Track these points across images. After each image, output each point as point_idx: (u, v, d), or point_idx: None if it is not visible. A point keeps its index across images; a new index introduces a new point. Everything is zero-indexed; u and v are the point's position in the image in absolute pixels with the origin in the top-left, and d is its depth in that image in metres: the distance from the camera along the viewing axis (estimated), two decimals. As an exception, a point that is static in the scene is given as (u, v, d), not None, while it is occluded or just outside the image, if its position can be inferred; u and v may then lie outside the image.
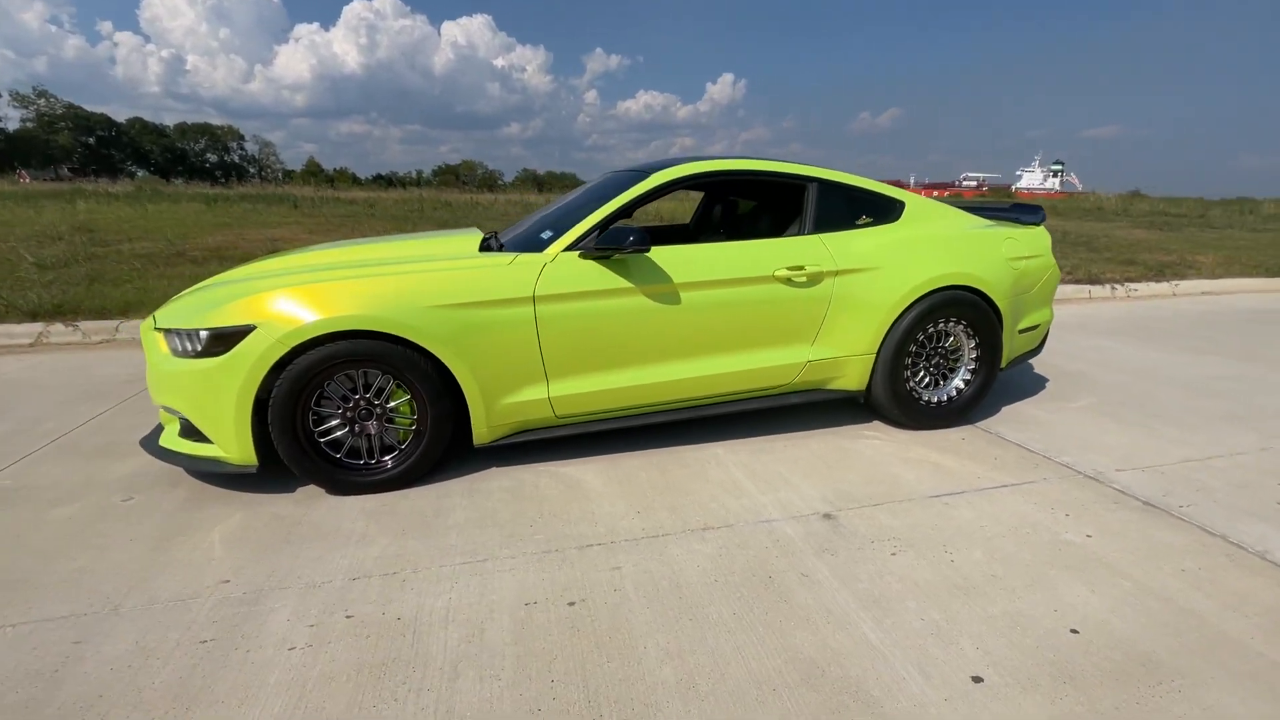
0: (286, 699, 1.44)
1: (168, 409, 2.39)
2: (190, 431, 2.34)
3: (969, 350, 3.06)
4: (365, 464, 2.41)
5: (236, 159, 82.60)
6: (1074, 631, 1.67)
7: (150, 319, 2.50)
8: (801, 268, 2.73)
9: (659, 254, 2.57)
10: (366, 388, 2.36)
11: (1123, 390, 3.63)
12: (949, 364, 3.06)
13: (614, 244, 2.41)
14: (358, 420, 2.37)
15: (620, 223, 2.53)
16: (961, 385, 3.07)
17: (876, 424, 3.11)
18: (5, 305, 5.10)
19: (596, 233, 2.55)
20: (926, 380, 3.03)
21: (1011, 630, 1.67)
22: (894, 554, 2.01)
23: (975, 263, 2.94)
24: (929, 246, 2.92)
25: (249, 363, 2.19)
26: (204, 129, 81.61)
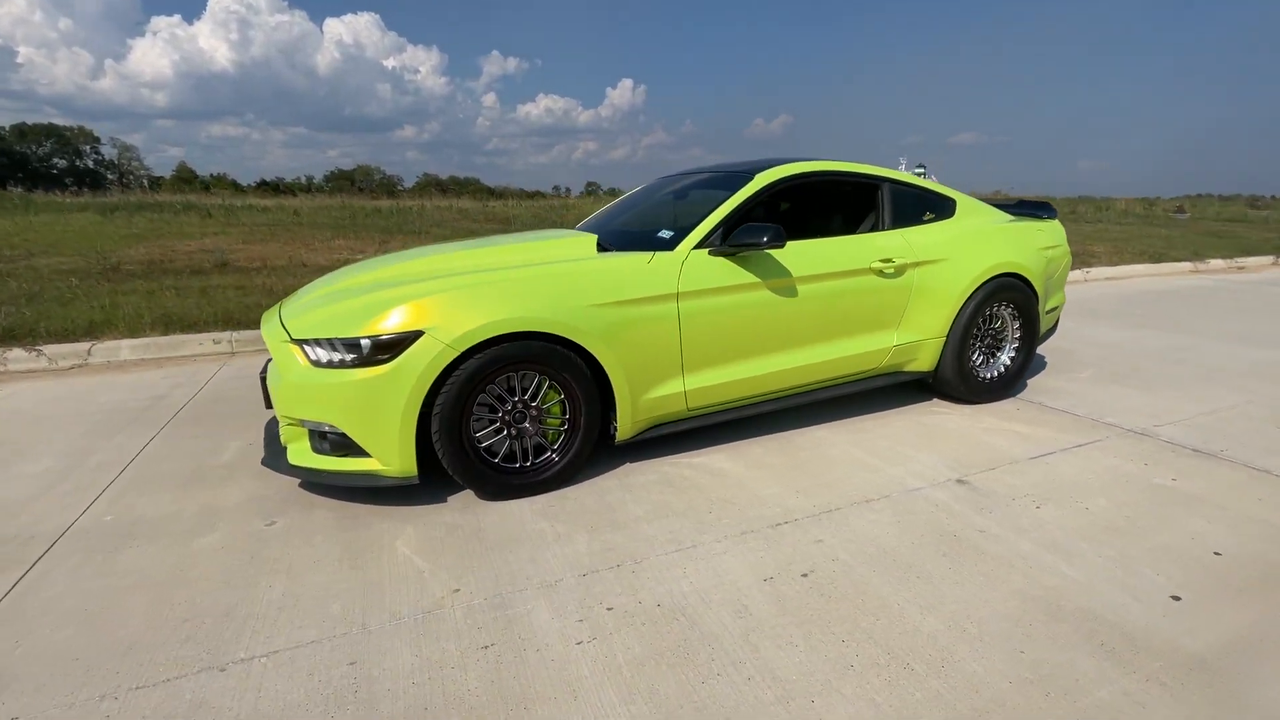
0: (616, 686, 1.47)
1: (306, 423, 2.26)
2: (339, 445, 2.23)
3: (1013, 330, 3.44)
4: (522, 467, 2.40)
5: (91, 164, 73.69)
6: (1217, 554, 2.00)
7: (279, 330, 2.35)
8: (890, 260, 2.99)
9: (777, 251, 2.73)
10: (523, 390, 2.35)
11: (1109, 362, 4.18)
12: (997, 343, 3.43)
13: (750, 240, 2.54)
14: (514, 423, 2.35)
15: (748, 224, 2.65)
16: (1008, 362, 3.45)
17: (935, 401, 3.43)
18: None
19: (721, 231, 2.67)
20: (980, 359, 3.39)
21: (1174, 558, 1.97)
22: (1038, 507, 2.28)
23: (1020, 252, 3.33)
24: (984, 239, 3.27)
25: (418, 370, 2.13)
26: (49, 130, 72.14)
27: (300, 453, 2.33)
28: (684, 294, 2.52)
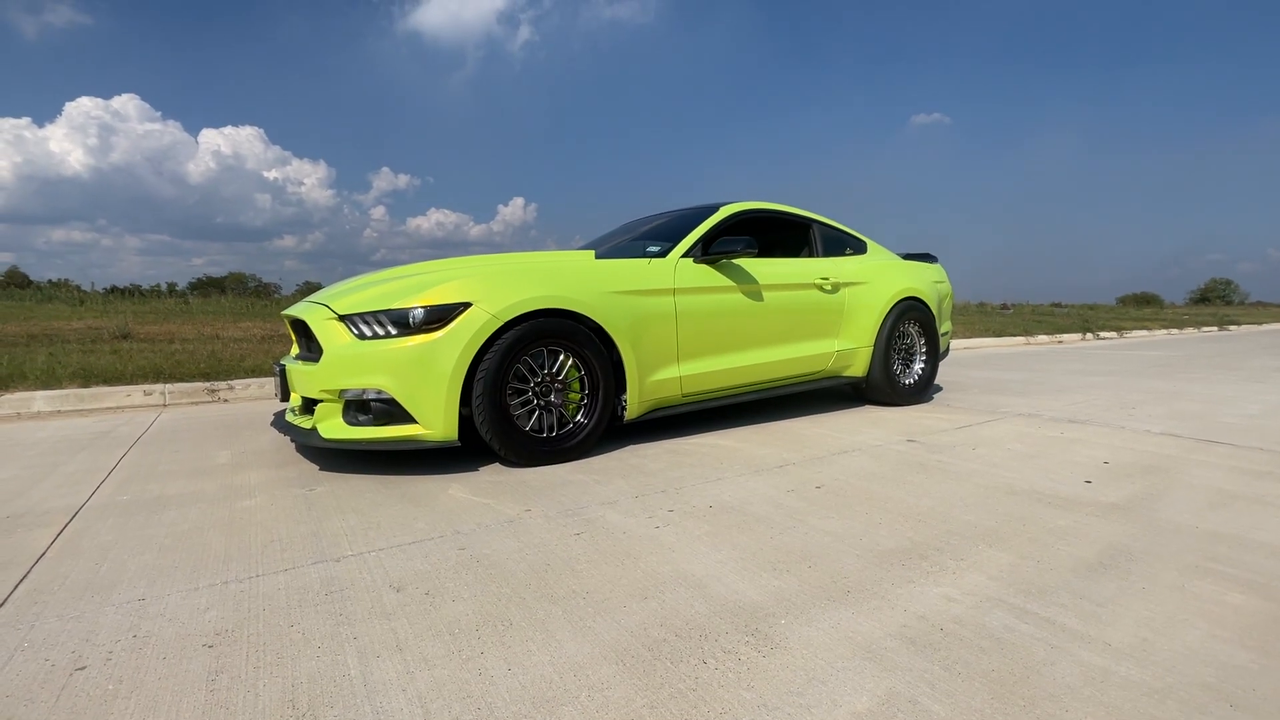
0: (702, 544, 1.72)
1: (347, 393, 2.37)
2: (382, 414, 2.36)
3: (920, 345, 4.19)
4: (549, 436, 2.61)
5: (-108, 267, 64.02)
6: (1105, 463, 2.61)
7: (320, 309, 2.49)
8: (827, 278, 3.64)
9: (746, 264, 3.28)
10: (550, 366, 2.62)
11: (989, 385, 5.08)
12: (910, 355, 4.15)
13: (729, 248, 3.08)
14: (542, 395, 2.60)
15: (726, 236, 3.20)
16: (920, 370, 4.16)
17: (868, 405, 4.03)
18: None
19: (700, 245, 3.19)
20: (899, 368, 4.07)
21: (1077, 467, 2.55)
22: (974, 449, 2.83)
23: (919, 281, 4.14)
24: (892, 270, 4.06)
25: (466, 337, 2.36)
26: None
27: (334, 428, 2.41)
28: (679, 290, 2.97)
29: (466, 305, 2.40)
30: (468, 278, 2.48)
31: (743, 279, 3.24)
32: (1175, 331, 15.82)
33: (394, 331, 2.37)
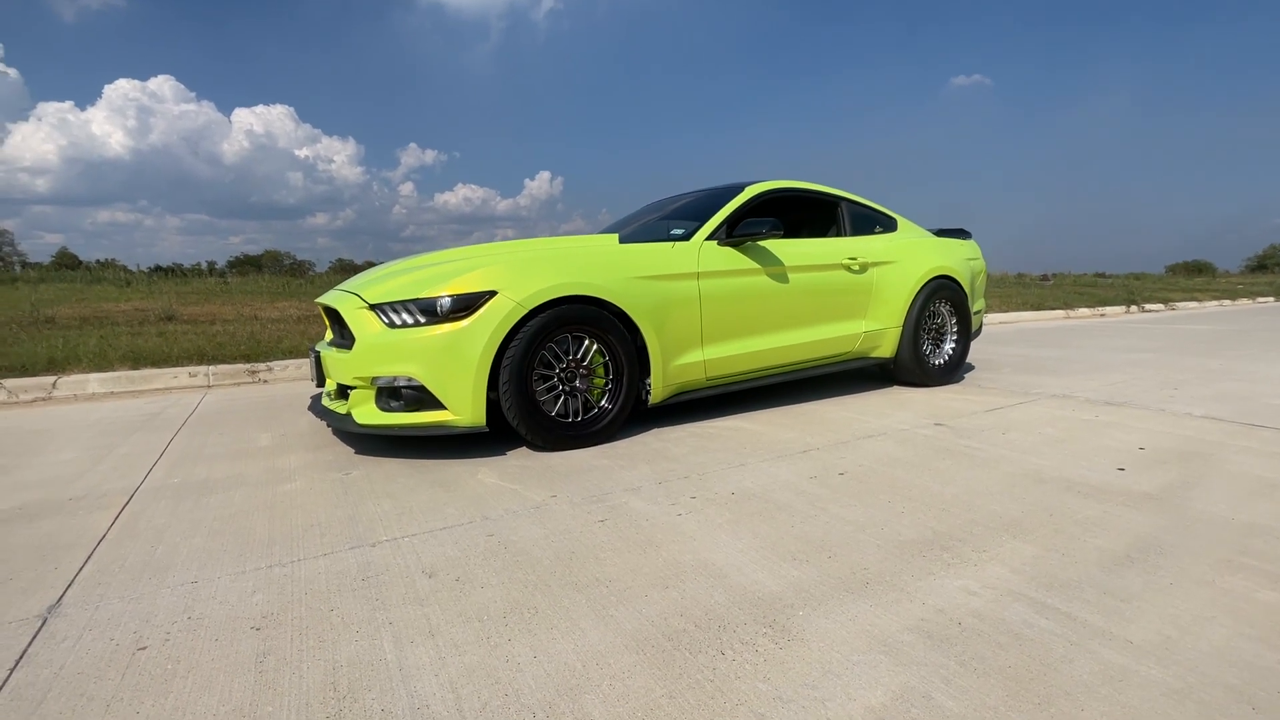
0: (723, 532, 1.75)
1: (379, 381, 2.44)
2: (413, 400, 2.43)
3: (951, 325, 4.10)
4: (574, 421, 2.66)
5: (-46, 249, 67.20)
6: (1141, 449, 2.55)
7: (352, 298, 2.56)
8: (855, 259, 3.58)
9: (771, 245, 3.25)
10: (574, 352, 2.65)
11: (1023, 364, 4.96)
12: (940, 335, 4.07)
13: (754, 230, 3.05)
14: (567, 381, 2.64)
15: (751, 218, 3.17)
16: (951, 350, 4.08)
17: (896, 386, 3.98)
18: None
19: (725, 227, 3.17)
20: (929, 348, 4.00)
21: (1111, 452, 2.50)
22: (1004, 434, 2.79)
23: (950, 259, 4.04)
24: (923, 248, 3.97)
25: (492, 325, 2.41)
26: (-95, 215, 65.65)
27: (368, 413, 2.49)
28: (702, 274, 2.96)
29: (492, 293, 2.44)
30: (493, 265, 2.52)
31: (768, 261, 3.21)
32: (1228, 303, 15.14)
33: (423, 320, 2.43)
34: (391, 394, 2.47)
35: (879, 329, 3.70)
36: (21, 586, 1.51)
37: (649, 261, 2.84)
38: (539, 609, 1.37)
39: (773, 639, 1.25)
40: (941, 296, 3.95)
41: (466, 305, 2.42)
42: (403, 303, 2.45)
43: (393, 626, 1.31)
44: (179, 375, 4.69)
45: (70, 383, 4.37)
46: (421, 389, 2.41)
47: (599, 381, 2.74)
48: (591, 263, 2.69)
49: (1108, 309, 11.78)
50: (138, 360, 4.80)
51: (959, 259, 4.15)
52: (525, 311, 2.46)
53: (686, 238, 3.09)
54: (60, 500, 2.12)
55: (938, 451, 2.52)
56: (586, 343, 2.68)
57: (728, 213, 3.22)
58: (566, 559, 1.61)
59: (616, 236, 3.21)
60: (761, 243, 3.21)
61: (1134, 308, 12.46)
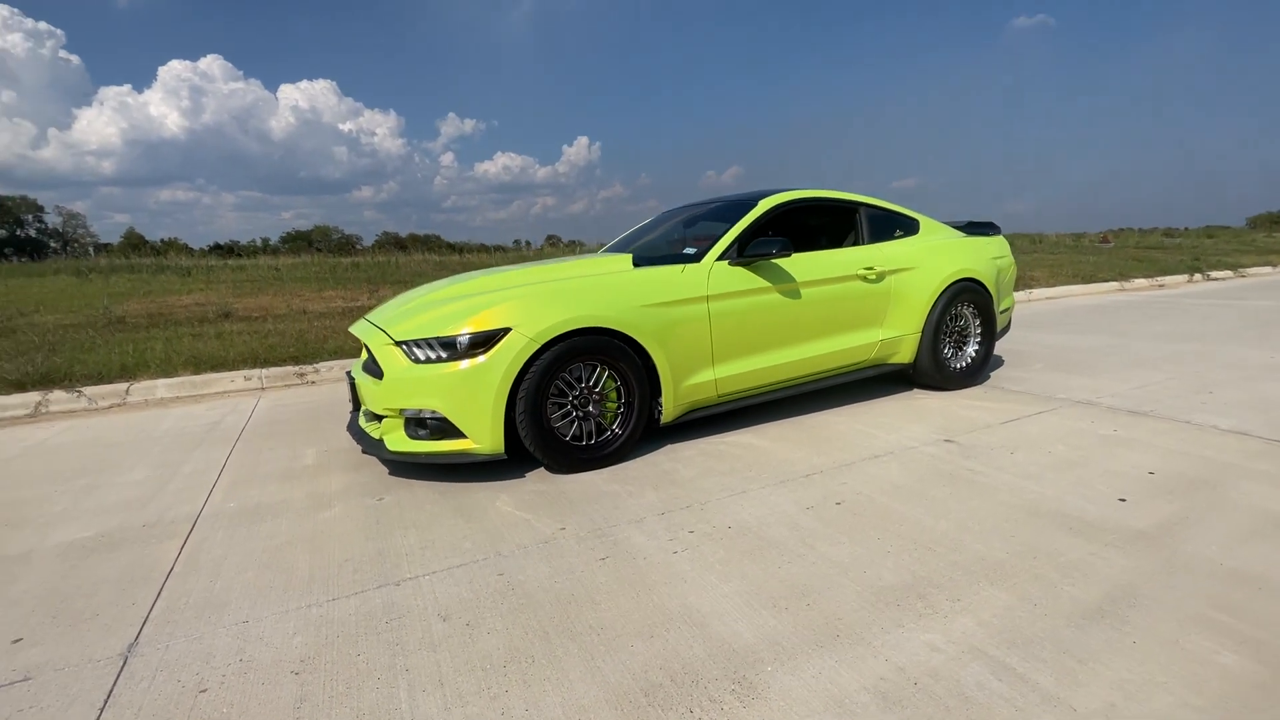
0: (713, 574, 1.89)
1: (406, 412, 2.65)
2: (437, 430, 2.63)
3: (975, 327, 4.06)
4: (588, 444, 2.82)
5: (33, 233, 71.59)
6: (1150, 474, 2.55)
7: (379, 334, 2.76)
8: (872, 268, 3.58)
9: (783, 262, 3.29)
10: (587, 379, 2.80)
11: (1055, 358, 4.86)
12: (963, 338, 4.04)
13: (764, 251, 3.09)
14: (580, 406, 2.79)
15: (762, 237, 3.21)
16: (974, 354, 4.05)
17: (915, 390, 3.99)
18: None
19: (736, 246, 3.22)
20: (950, 352, 3.98)
21: (1119, 477, 2.51)
22: (1012, 453, 2.81)
23: (975, 260, 3.98)
24: (945, 251, 3.92)
25: (507, 360, 2.57)
26: (-11, 200, 70.11)
27: (398, 440, 2.71)
28: (712, 297, 3.04)
29: (507, 330, 2.59)
30: (508, 302, 2.66)
31: (780, 279, 3.25)
32: (1306, 266, 14.10)
33: (444, 355, 2.60)
34: (418, 424, 2.67)
35: (896, 336, 3.71)
36: (106, 623, 1.78)
37: (659, 288, 2.94)
38: (535, 658, 1.55)
39: (739, 696, 1.39)
40: (965, 300, 3.91)
41: (484, 341, 2.58)
42: (426, 340, 2.63)
43: (409, 674, 1.51)
44: (235, 379, 5.06)
45: (141, 388, 4.78)
46: (444, 420, 2.60)
47: (611, 406, 2.88)
48: (602, 295, 2.81)
49: (1167, 279, 11.16)
50: (199, 365, 5.20)
51: (984, 259, 4.08)
52: (539, 346, 2.61)
53: (698, 258, 3.16)
54: (135, 527, 2.42)
55: (940, 476, 2.58)
56: (599, 370, 2.81)
57: (739, 231, 3.27)
58: (566, 603, 1.78)
59: (630, 257, 3.31)
60: (774, 261, 3.25)
61: (1198, 276, 11.77)
